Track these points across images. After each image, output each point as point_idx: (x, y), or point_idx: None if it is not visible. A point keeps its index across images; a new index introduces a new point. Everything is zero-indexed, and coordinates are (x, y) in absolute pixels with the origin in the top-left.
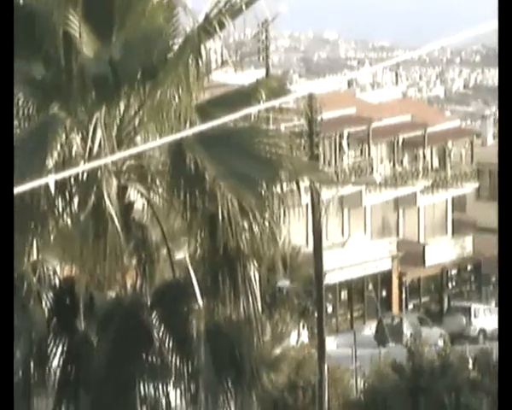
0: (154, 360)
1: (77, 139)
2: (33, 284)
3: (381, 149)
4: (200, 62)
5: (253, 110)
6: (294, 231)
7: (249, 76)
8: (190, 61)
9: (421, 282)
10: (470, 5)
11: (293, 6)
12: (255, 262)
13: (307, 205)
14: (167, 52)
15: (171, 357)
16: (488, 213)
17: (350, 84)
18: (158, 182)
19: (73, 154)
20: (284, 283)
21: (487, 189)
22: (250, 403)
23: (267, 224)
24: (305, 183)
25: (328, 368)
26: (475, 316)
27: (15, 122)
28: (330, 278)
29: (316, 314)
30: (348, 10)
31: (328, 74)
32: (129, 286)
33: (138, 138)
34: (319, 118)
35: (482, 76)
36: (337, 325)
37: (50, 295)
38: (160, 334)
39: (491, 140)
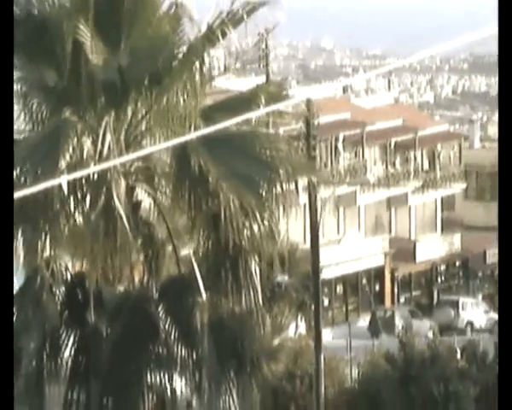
0: (161, 350)
1: (87, 142)
2: (46, 278)
3: (374, 151)
4: (203, 69)
5: (254, 115)
6: (293, 229)
7: (250, 82)
8: (194, 68)
9: (412, 277)
10: (457, 17)
11: (292, 16)
12: (256, 258)
13: (305, 204)
14: (173, 60)
15: (177, 348)
16: (475, 212)
17: (345, 90)
18: (164, 183)
19: (84, 156)
20: (283, 278)
21: (474, 189)
22: (251, 391)
23: (267, 222)
24: (303, 183)
25: (324, 358)
26: (463, 309)
27: (30, 126)
28: (326, 274)
29: (313, 307)
30: (344, 21)
31: (325, 81)
32: (137, 281)
33: (145, 142)
34: (316, 122)
35: (470, 83)
36: (333, 318)
37: (62, 289)
38: (166, 326)
39: (478, 143)
